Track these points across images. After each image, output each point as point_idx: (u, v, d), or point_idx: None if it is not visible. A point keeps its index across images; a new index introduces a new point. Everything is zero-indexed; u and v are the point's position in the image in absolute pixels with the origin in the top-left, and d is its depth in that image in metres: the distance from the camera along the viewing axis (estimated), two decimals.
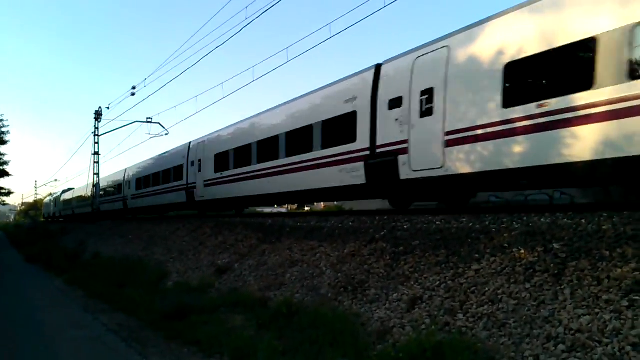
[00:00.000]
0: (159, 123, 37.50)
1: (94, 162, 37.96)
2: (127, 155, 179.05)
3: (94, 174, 37.82)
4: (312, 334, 6.39)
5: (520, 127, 8.17)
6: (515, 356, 4.77)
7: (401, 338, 5.85)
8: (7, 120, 38.60)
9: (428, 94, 9.78)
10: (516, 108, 8.23)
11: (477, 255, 6.71)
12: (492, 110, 8.62)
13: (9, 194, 52.78)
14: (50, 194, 79.65)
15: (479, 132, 8.82)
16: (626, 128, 6.84)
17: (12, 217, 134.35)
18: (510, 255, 6.33)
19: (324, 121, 12.98)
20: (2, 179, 43.63)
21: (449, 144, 9.33)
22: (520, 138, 8.20)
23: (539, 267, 5.82)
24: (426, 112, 9.81)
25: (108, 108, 38.50)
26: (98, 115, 37.87)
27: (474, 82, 9.07)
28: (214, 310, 8.66)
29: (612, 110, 6.97)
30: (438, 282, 6.62)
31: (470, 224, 7.89)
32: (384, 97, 10.98)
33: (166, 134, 35.88)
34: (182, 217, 22.18)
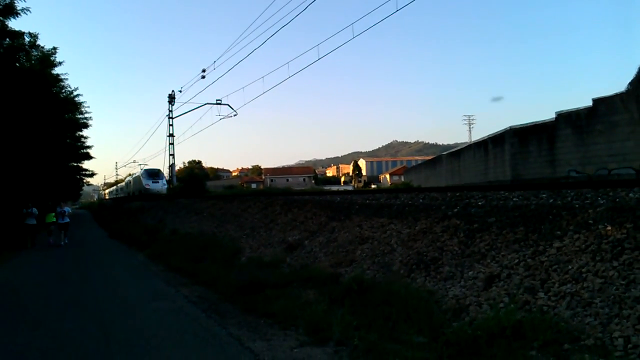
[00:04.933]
0: (228, 104, 38.58)
1: (169, 144, 39.64)
2: (199, 136, 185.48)
3: (170, 154, 39.52)
4: (385, 310, 6.39)
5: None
6: (602, 337, 4.54)
7: (478, 316, 5.73)
8: (89, 106, 41.03)
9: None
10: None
11: (558, 233, 6.42)
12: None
13: (92, 175, 56.88)
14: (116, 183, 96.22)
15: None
16: None
17: (96, 196, 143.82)
18: (596, 232, 5.99)
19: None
20: (86, 161, 46.73)
21: None
22: None
23: (628, 244, 5.48)
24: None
25: (180, 91, 39.95)
26: (171, 99, 39.45)
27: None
28: (287, 285, 8.85)
29: None
30: (517, 260, 6.39)
31: (551, 200, 7.55)
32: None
33: (235, 115, 36.81)
34: (253, 195, 22.80)
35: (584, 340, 4.61)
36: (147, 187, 45.30)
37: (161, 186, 44.41)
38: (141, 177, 47.49)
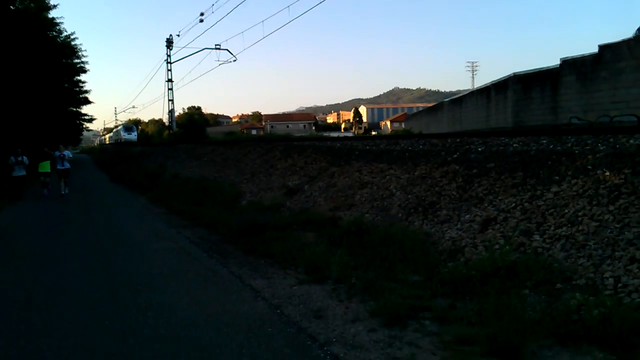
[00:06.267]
0: (227, 50, 37.86)
1: (168, 89, 39.14)
2: (198, 81, 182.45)
3: (169, 100, 39.09)
4: (383, 251, 6.52)
5: None
6: (594, 277, 4.66)
7: (473, 257, 5.86)
8: (85, 50, 40.23)
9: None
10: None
11: (557, 178, 6.46)
12: None
13: (91, 120, 56.70)
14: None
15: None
16: None
17: (97, 141, 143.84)
18: (594, 177, 6.03)
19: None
20: (85, 106, 46.38)
21: None
22: None
23: (625, 189, 5.53)
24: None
25: (178, 35, 39.08)
26: (169, 43, 38.57)
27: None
28: (287, 228, 8.99)
29: None
30: (514, 204, 6.47)
31: (551, 146, 7.54)
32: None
33: (234, 60, 36.12)
34: (254, 141, 22.74)
35: (576, 280, 4.74)
36: (124, 137, 67.46)
37: (134, 136, 68.60)
38: (120, 131, 72.20)
